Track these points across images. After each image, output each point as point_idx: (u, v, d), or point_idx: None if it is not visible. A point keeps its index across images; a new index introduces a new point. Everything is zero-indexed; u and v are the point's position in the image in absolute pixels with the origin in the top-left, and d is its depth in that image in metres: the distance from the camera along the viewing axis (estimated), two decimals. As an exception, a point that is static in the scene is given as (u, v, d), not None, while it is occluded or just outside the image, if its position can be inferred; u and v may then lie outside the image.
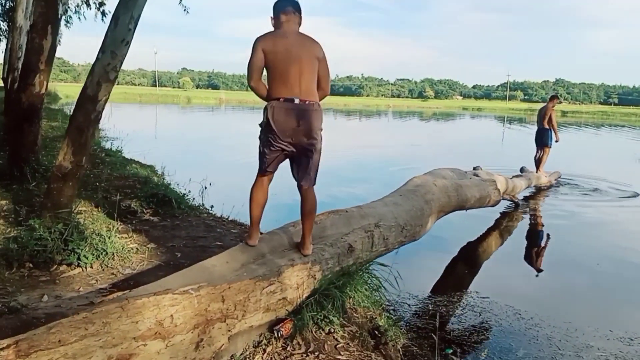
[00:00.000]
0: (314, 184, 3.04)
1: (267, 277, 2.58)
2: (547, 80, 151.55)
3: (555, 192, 9.24)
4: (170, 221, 4.80)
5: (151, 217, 4.97)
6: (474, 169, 8.05)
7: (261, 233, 3.08)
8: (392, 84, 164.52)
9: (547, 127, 9.92)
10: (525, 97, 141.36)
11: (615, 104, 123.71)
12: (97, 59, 3.51)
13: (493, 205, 5.66)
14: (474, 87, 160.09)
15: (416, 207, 4.19)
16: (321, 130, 2.99)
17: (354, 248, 3.29)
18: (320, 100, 3.05)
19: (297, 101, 2.88)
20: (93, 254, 3.59)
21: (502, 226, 6.42)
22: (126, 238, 4.09)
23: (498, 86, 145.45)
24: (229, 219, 5.36)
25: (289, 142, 2.89)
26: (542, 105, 10.82)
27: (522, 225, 6.78)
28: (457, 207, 4.85)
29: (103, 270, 3.51)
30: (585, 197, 8.77)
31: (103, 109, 3.75)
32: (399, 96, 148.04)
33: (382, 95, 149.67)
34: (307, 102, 2.90)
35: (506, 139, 24.86)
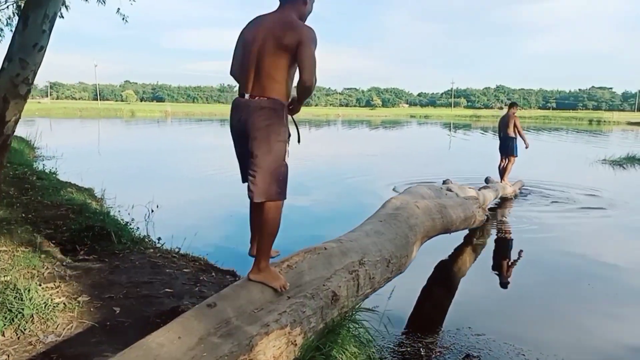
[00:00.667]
0: (272, 197, 2.51)
1: (236, 355, 1.92)
2: (489, 87, 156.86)
3: (521, 203, 8.95)
4: (108, 262, 4.01)
5: (85, 257, 4.17)
6: (444, 182, 7.61)
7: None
8: (339, 93, 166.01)
9: (512, 135, 9.68)
10: (469, 104, 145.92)
11: (553, 109, 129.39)
12: (2, 69, 2.74)
13: (477, 226, 5.19)
14: (419, 95, 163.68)
15: (400, 234, 3.62)
16: (274, 132, 2.50)
17: (338, 296, 2.67)
18: (302, 93, 2.58)
19: (246, 97, 2.55)
20: (6, 317, 2.81)
21: (473, 243, 5.97)
22: (52, 289, 3.31)
23: (442, 94, 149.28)
24: (180, 252, 4.62)
25: (240, 145, 2.61)
26: (499, 113, 10.64)
27: (497, 241, 6.38)
28: (442, 231, 4.33)
29: (18, 338, 2.73)
30: (554, 205, 8.51)
31: (13, 131, 2.98)
32: (347, 105, 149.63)
33: (331, 104, 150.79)
34: (255, 98, 2.52)
35: (460, 147, 24.98)
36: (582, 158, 16.30)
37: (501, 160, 9.88)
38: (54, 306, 2.99)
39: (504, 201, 8.91)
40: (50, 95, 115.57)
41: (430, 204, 4.21)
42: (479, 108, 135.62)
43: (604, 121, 61.96)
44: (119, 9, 9.95)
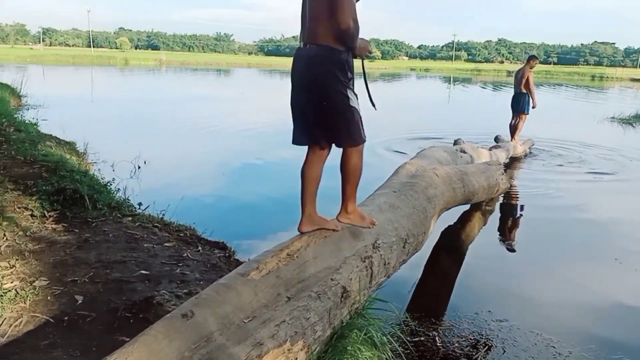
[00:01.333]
0: (352, 142, 2.48)
1: (217, 391, 1.41)
2: (490, 40, 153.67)
3: (531, 163, 8.41)
4: (78, 233, 3.46)
5: (54, 226, 3.63)
6: (455, 142, 7.05)
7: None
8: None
9: (524, 91, 9.03)
10: (469, 57, 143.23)
11: (554, 63, 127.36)
12: None
13: (500, 195, 4.63)
14: (419, 47, 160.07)
15: (418, 208, 3.08)
16: (330, 80, 2.38)
17: (349, 291, 2.15)
18: (340, 38, 2.36)
19: (300, 46, 2.50)
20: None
21: (482, 208, 5.41)
22: (5, 269, 2.78)
23: (443, 46, 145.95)
24: (163, 220, 4.08)
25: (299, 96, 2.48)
26: (518, 67, 9.96)
27: (507, 207, 5.86)
28: (463, 201, 3.79)
29: (-46, 336, 2.21)
30: (566, 167, 7.96)
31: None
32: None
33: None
34: (306, 46, 2.44)
35: (463, 101, 24.22)
36: (590, 116, 15.67)
37: (513, 117, 9.25)
38: (3, 294, 2.47)
39: (513, 161, 8.36)
40: (43, 41, 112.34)
41: (450, 171, 3.64)
42: (480, 62, 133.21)
43: (607, 77, 60.74)
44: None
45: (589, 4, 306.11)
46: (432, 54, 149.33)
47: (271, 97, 21.43)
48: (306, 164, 2.55)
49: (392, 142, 9.24)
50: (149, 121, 11.98)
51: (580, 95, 29.59)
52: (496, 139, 9.07)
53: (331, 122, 2.43)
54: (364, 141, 2.53)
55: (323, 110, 2.41)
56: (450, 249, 4.26)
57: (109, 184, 5.00)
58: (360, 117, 2.50)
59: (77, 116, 11.68)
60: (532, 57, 9.29)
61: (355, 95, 2.47)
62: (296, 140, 2.56)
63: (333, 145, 2.54)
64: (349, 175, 2.53)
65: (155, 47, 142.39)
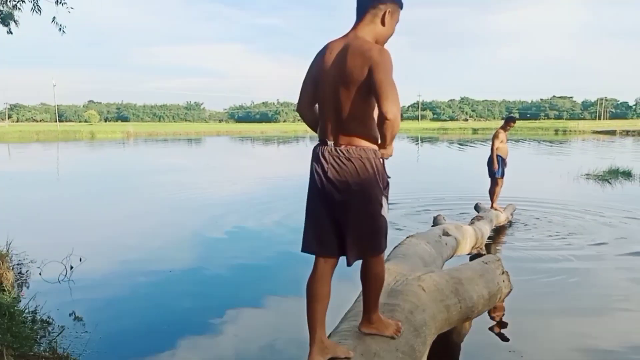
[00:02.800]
0: (374, 252, 2.31)
1: None
2: (453, 99, 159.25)
3: (516, 232, 7.68)
4: None
5: None
6: (435, 220, 6.34)
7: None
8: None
9: (497, 154, 8.44)
10: (434, 116, 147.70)
11: (517, 119, 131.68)
12: None
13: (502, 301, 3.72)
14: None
15: (403, 350, 2.23)
16: (369, 186, 2.19)
17: None
18: (385, 130, 2.12)
19: (329, 144, 2.22)
20: None
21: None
22: None
23: (408, 107, 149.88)
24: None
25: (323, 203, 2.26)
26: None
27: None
28: (459, 322, 2.93)
29: None
30: (558, 236, 7.23)
31: None
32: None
33: (299, 120, 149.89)
34: (340, 147, 2.19)
35: (435, 161, 23.94)
36: (565, 173, 15.34)
37: (491, 181, 8.61)
38: None
39: (498, 232, 7.64)
40: (10, 117, 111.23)
41: (440, 280, 2.81)
42: (445, 120, 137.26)
43: (570, 130, 62.58)
44: (54, 17, 8.46)
45: (545, 59, 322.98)
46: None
47: (235, 166, 20.73)
48: (316, 279, 2.27)
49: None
50: (98, 201, 10.97)
51: (548, 150, 29.82)
52: (476, 208, 8.43)
53: (361, 232, 2.22)
54: (385, 248, 2.36)
55: (356, 219, 2.19)
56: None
57: (15, 304, 4.03)
58: (387, 225, 2.32)
59: (10, 202, 10.64)
60: (508, 119, 8.71)
61: (387, 201, 2.29)
62: (308, 248, 2.29)
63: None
64: (373, 284, 2.36)
65: (125, 119, 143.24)
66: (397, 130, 2.12)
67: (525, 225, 8.07)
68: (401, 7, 2.29)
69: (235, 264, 6.20)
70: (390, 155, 2.29)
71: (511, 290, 3.33)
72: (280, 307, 4.64)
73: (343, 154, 2.16)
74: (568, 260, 6.03)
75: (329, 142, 2.22)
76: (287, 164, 22.62)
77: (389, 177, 2.31)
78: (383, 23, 2.22)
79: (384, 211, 2.26)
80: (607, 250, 6.45)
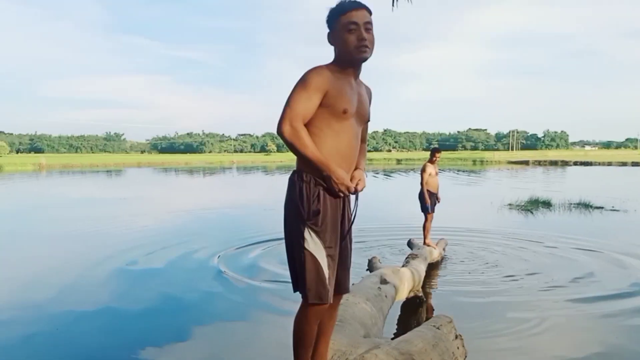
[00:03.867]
0: (305, 299, 2.03)
1: None
2: (377, 131, 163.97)
3: (451, 268, 7.37)
4: None
5: None
6: (370, 263, 5.83)
7: None
8: (234, 139, 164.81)
9: (425, 188, 8.10)
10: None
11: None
12: None
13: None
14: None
15: None
16: (290, 211, 2.05)
17: None
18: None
19: None
20: None
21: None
22: None
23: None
24: None
25: None
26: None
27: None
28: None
29: None
30: (495, 271, 6.97)
31: None
32: (242, 151, 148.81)
33: (225, 150, 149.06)
34: None
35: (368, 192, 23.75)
36: (487, 203, 15.61)
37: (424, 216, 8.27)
38: None
39: (432, 270, 7.27)
40: None
41: (387, 358, 2.22)
42: (370, 151, 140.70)
43: (486, 161, 65.77)
44: None
45: (459, 93, 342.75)
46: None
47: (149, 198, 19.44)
48: (303, 319, 2.08)
49: (226, 252, 7.78)
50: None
51: (468, 180, 30.76)
52: (409, 244, 8.07)
53: (290, 265, 2.10)
54: (320, 302, 1.97)
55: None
56: None
57: None
58: (321, 267, 1.96)
59: None
60: (434, 150, 8.22)
61: (318, 235, 1.98)
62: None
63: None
64: (293, 335, 2.11)
65: (39, 150, 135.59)
66: (287, 144, 1.95)
67: (462, 261, 7.82)
68: (339, 13, 2.13)
69: (146, 298, 5.66)
70: (347, 186, 2.03)
71: (466, 357, 2.81)
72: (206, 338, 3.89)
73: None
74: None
75: None
76: (202, 195, 21.54)
77: (318, 207, 1.98)
78: (332, 44, 2.22)
79: (311, 247, 1.95)
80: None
